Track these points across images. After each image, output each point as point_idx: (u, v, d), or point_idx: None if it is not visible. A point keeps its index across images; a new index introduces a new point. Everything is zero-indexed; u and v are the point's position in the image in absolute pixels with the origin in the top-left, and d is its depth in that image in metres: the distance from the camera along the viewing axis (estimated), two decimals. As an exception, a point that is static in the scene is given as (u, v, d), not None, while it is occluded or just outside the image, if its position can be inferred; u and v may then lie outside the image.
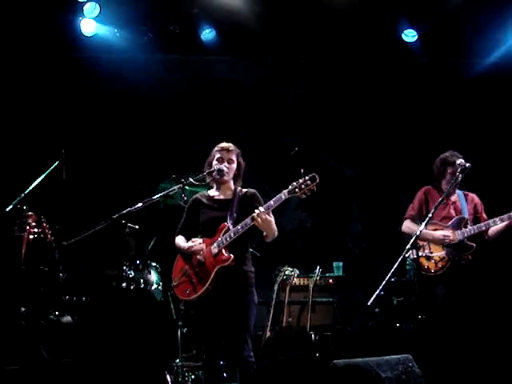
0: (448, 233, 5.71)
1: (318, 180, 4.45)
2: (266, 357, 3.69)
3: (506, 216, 5.58)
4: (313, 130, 8.47)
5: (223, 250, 4.64)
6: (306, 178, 4.47)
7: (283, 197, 4.54)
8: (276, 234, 4.69)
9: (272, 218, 4.62)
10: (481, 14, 7.44)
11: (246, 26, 7.72)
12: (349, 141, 8.43)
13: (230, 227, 4.67)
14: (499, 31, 7.63)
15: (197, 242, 4.72)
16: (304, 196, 4.50)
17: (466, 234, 5.67)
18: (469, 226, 5.71)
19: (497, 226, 5.64)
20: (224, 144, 4.91)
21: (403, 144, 8.27)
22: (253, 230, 4.69)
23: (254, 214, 4.55)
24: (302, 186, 4.46)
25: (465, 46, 7.89)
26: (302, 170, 4.49)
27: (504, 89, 7.94)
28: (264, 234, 4.68)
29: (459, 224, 5.74)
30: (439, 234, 5.72)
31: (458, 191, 5.89)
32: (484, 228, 5.68)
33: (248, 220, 4.60)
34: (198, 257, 4.68)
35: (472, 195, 5.94)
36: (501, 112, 8.00)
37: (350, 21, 7.69)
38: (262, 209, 4.56)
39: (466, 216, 5.78)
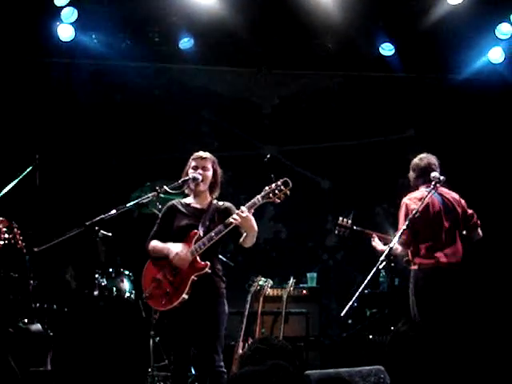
0: None
1: (290, 184, 4.53)
2: (244, 366, 3.66)
3: None
4: (289, 142, 8.49)
5: (197, 258, 4.61)
6: (279, 182, 4.55)
7: (257, 202, 4.57)
8: (255, 237, 4.66)
9: (252, 217, 4.59)
10: (456, 31, 7.56)
11: (224, 36, 7.73)
12: (325, 153, 8.46)
13: (201, 235, 4.65)
14: (473, 47, 7.77)
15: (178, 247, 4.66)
16: (278, 201, 4.55)
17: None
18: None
19: None
20: (199, 152, 4.91)
21: (379, 157, 8.33)
22: (224, 239, 4.68)
23: (234, 215, 4.53)
24: (276, 190, 4.52)
25: (440, 60, 8.02)
26: (273, 175, 4.54)
27: (478, 102, 8.07)
28: (242, 238, 4.64)
29: None
30: None
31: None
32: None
33: (221, 227, 4.58)
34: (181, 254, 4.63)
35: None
36: (475, 125, 8.12)
37: (328, 34, 7.75)
38: (243, 208, 4.55)
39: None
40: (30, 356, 5.67)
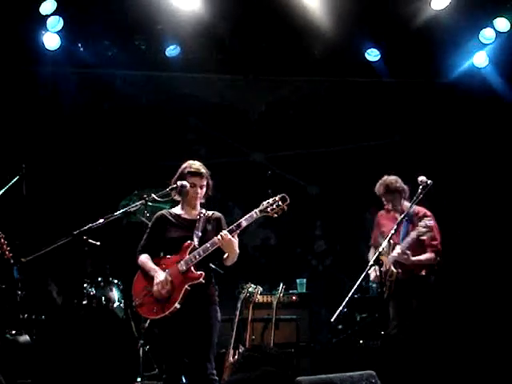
0: None
1: (288, 200, 4.61)
2: (236, 373, 3.66)
3: None
4: (276, 148, 8.50)
5: (192, 268, 4.60)
6: (277, 198, 4.63)
7: (255, 215, 4.64)
8: (236, 258, 4.70)
9: (236, 240, 4.64)
10: (440, 37, 7.61)
11: (210, 43, 7.74)
12: (313, 158, 8.47)
13: (196, 246, 4.65)
14: (458, 52, 7.83)
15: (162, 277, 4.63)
16: (275, 215, 4.65)
17: None
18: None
19: None
20: (196, 167, 4.84)
21: (367, 162, 8.34)
22: (220, 249, 4.68)
23: (219, 236, 4.57)
24: (274, 206, 4.60)
25: (425, 65, 8.07)
26: (270, 191, 4.61)
27: (464, 107, 8.12)
28: (224, 256, 4.67)
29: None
30: None
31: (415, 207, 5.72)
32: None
33: (216, 239, 4.59)
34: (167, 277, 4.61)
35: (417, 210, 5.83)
36: (461, 129, 8.17)
37: (315, 40, 7.77)
38: (225, 231, 4.60)
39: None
40: (17, 368, 5.62)
